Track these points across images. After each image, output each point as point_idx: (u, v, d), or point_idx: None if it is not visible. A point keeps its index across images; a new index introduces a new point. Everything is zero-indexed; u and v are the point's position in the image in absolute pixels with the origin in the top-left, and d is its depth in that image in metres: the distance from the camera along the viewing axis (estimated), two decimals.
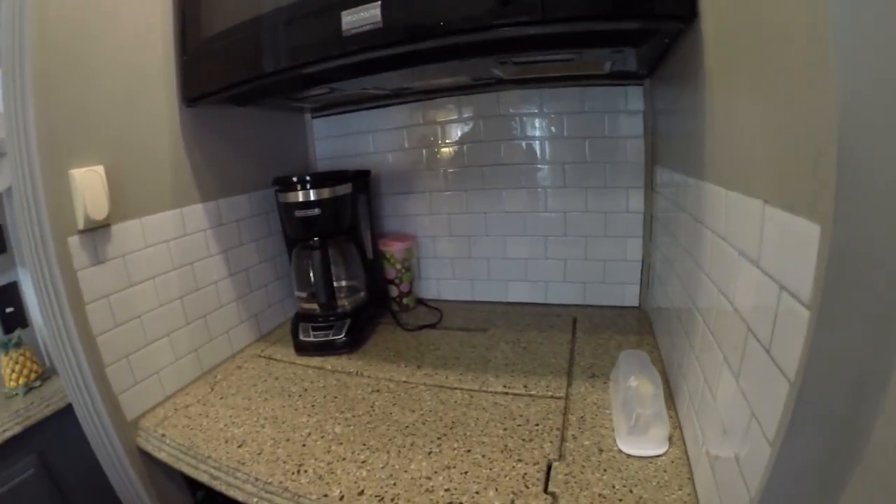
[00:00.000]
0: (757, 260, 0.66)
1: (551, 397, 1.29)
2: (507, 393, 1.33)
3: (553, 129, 1.81)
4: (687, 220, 1.12)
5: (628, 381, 1.15)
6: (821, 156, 0.48)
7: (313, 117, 2.24)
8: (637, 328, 1.66)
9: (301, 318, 1.81)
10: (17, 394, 1.84)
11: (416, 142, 2.04)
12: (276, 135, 2.09)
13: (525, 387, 1.35)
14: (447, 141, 1.98)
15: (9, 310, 2.07)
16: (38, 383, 1.90)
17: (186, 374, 1.61)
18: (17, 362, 1.86)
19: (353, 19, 1.12)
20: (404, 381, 1.46)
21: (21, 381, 1.86)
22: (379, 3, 1.08)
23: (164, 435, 1.34)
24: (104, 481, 1.49)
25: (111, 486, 1.50)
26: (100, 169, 1.35)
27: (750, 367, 0.68)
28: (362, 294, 1.89)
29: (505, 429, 1.18)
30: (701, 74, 0.95)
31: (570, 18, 0.96)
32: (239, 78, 1.42)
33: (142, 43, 1.50)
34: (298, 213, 1.68)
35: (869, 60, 0.45)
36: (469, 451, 1.12)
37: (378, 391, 1.43)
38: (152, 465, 1.43)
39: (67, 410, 1.56)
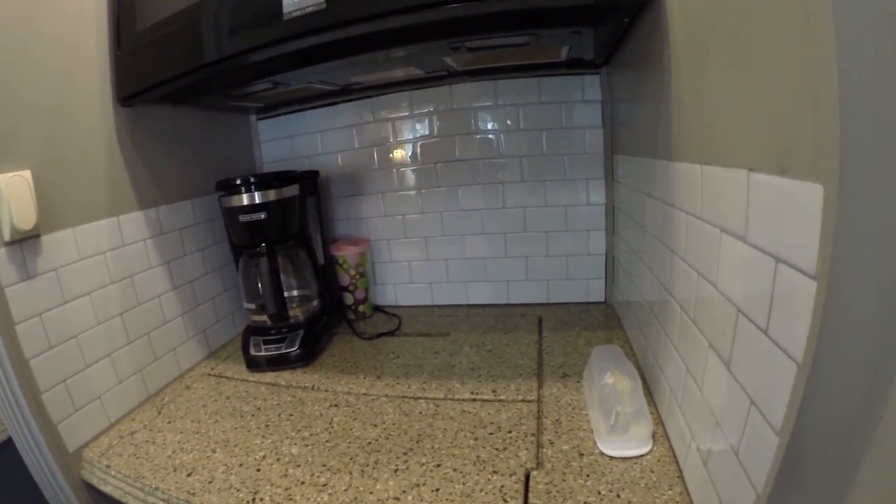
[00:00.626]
0: (744, 235, 0.62)
1: (523, 401, 1.25)
2: (475, 399, 1.29)
3: (509, 121, 1.78)
4: (655, 205, 1.08)
5: (604, 378, 1.11)
6: (819, 103, 0.44)
7: (258, 119, 2.19)
8: (605, 323, 1.64)
9: (252, 331, 1.75)
10: None
11: (366, 140, 2.00)
12: (220, 137, 2.03)
13: (494, 392, 1.30)
14: (399, 138, 1.94)
15: None
16: None
17: (131, 397, 1.53)
18: None
19: (294, 1, 1.07)
20: (364, 394, 1.41)
21: None
22: None
23: (108, 466, 1.27)
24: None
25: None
26: (27, 174, 1.28)
27: (743, 352, 0.64)
28: (315, 303, 1.83)
29: (476, 438, 1.13)
30: (666, 53, 0.92)
31: None
32: (174, 71, 1.36)
33: (73, 38, 1.44)
34: (243, 218, 1.61)
35: None
36: (439, 465, 1.07)
37: (336, 406, 1.38)
38: (100, 500, 1.36)
39: (8, 444, 1.49)
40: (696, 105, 0.79)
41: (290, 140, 2.14)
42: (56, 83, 1.38)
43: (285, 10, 1.08)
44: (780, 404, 0.52)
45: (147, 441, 1.35)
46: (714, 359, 0.74)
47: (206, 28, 1.26)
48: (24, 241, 1.28)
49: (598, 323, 1.64)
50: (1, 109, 1.25)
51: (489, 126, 1.81)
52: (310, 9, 1.05)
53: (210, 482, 1.14)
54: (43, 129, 1.34)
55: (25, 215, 1.25)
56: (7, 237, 1.23)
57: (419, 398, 1.34)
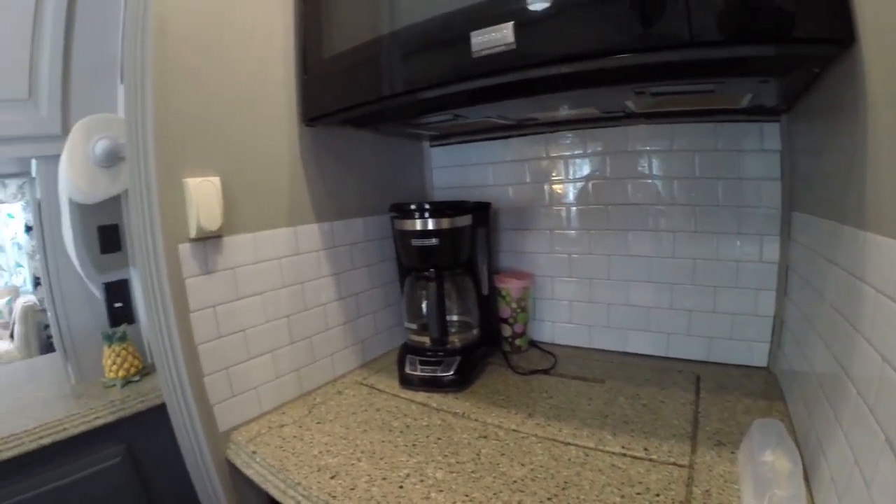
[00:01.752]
0: None
1: (674, 464, 1.22)
2: (625, 455, 1.27)
3: (684, 168, 1.75)
4: (838, 274, 1.02)
5: (763, 454, 1.08)
6: None
7: (431, 145, 2.27)
8: (765, 392, 1.56)
9: (409, 349, 1.81)
10: (114, 385, 1.97)
11: (538, 176, 2.02)
12: (394, 161, 2.12)
13: (645, 449, 1.28)
14: (571, 177, 1.95)
15: (118, 305, 2.18)
16: (136, 378, 2.01)
17: (285, 393, 1.64)
18: (118, 355, 1.99)
19: (484, 40, 1.10)
20: (514, 430, 1.42)
21: (120, 373, 1.98)
22: (511, 23, 1.06)
23: (254, 452, 1.36)
24: (187, 483, 1.54)
25: (193, 489, 1.55)
26: (216, 180, 1.40)
27: None
28: (475, 331, 1.86)
29: (622, 496, 1.11)
30: (861, 104, 0.87)
31: (722, 42, 0.91)
32: (358, 100, 1.44)
33: (263, 60, 1.56)
34: (415, 242, 1.69)
35: None
36: None
37: (485, 437, 1.39)
38: (238, 479, 1.45)
39: (161, 408, 1.60)
40: None
41: (461, 168, 2.20)
42: (245, 101, 1.51)
43: (474, 48, 1.11)
44: None
45: (295, 437, 1.43)
46: (890, 457, 0.70)
47: (393, 61, 1.33)
48: (208, 240, 1.40)
49: (759, 391, 1.57)
50: (198, 124, 1.38)
51: (663, 171, 1.79)
52: (499, 48, 1.08)
53: (352, 489, 1.18)
54: (232, 142, 1.47)
55: (212, 217, 1.37)
56: (193, 235, 1.36)
57: (569, 444, 1.33)
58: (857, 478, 0.82)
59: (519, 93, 1.30)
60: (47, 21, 2.06)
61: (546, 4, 1.03)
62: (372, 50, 1.38)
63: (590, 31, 1.00)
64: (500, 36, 1.07)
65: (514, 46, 1.06)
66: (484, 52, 1.10)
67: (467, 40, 1.12)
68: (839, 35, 0.87)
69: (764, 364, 1.72)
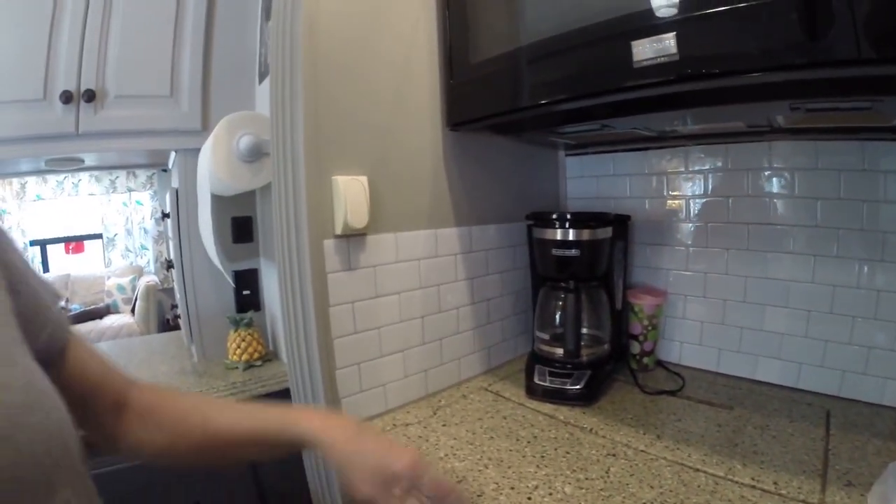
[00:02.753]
0: None
1: (803, 502, 1.22)
2: (754, 487, 1.27)
3: (828, 188, 1.70)
4: None
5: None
6: None
7: (567, 155, 2.30)
8: None
9: (538, 359, 1.84)
10: (237, 367, 2.11)
11: (675, 190, 2.02)
12: (529, 169, 2.16)
13: (775, 484, 1.28)
14: (709, 192, 1.95)
15: (246, 292, 2.33)
16: (258, 363, 2.16)
17: (411, 392, 1.70)
18: (244, 340, 2.13)
19: (645, 50, 1.11)
20: (643, 451, 1.43)
21: (244, 357, 2.13)
22: (674, 33, 1.07)
23: None
24: (300, 475, 1.59)
25: (306, 482, 1.59)
26: (363, 179, 1.48)
27: None
28: (606, 346, 1.89)
29: None
30: None
31: (888, 59, 0.88)
32: (509, 107, 1.48)
33: (409, 59, 1.62)
34: (555, 252, 1.73)
35: None
36: None
37: (614, 455, 1.41)
38: None
39: (279, 395, 1.68)
40: None
41: (596, 179, 2.22)
42: (392, 100, 1.59)
43: (635, 58, 1.13)
44: None
45: (420, 437, 1.49)
46: None
47: (546, 69, 1.36)
48: (352, 238, 1.48)
49: (890, 432, 1.52)
50: (347, 123, 1.46)
51: (806, 190, 1.75)
52: (662, 59, 1.09)
53: (479, 496, 1.23)
54: (380, 141, 1.55)
55: (359, 215, 1.45)
56: (339, 231, 1.44)
57: (699, 470, 1.34)
58: None
59: (673, 105, 1.32)
60: (188, 20, 2.22)
61: (711, 15, 1.04)
62: (525, 56, 1.42)
63: (754, 44, 1.00)
64: (662, 46, 1.09)
65: (676, 57, 1.08)
66: (645, 63, 1.12)
67: (628, 49, 1.14)
68: None
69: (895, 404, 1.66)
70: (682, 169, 2.01)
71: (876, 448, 1.43)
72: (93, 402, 0.98)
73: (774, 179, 1.82)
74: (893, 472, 1.18)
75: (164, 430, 1.05)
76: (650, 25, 1.11)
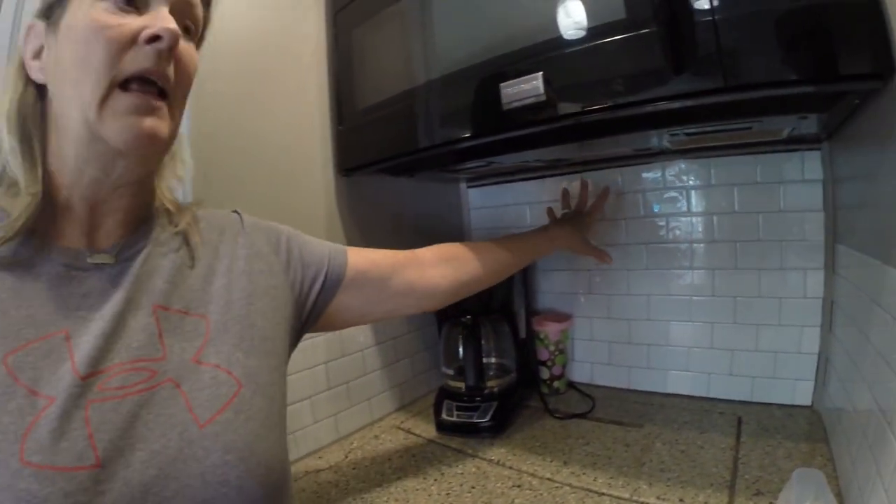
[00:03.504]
0: None
1: None
2: None
3: (723, 202, 1.70)
4: (884, 318, 0.95)
5: None
6: None
7: (468, 187, 2.26)
8: (809, 433, 1.49)
9: (446, 394, 1.79)
10: None
11: None
12: (431, 204, 2.13)
13: (681, 500, 1.23)
14: (606, 216, 1.91)
15: None
16: None
17: (323, 437, 1.64)
18: None
19: (513, 92, 1.09)
20: (548, 479, 1.38)
21: None
22: (540, 73, 1.06)
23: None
24: None
25: None
26: None
27: None
28: (512, 375, 1.84)
29: None
30: None
31: (757, 85, 0.89)
32: (392, 152, 1.46)
33: (298, 114, 1.59)
34: None
35: None
36: None
37: (519, 486, 1.36)
38: None
39: None
40: None
41: (498, 209, 2.19)
42: (282, 150, 1.54)
43: (504, 101, 1.10)
44: None
45: (330, 482, 1.44)
46: None
47: (423, 114, 1.35)
48: None
49: (802, 432, 1.50)
50: (233, 182, 1.41)
51: (702, 207, 1.75)
52: (529, 101, 1.07)
53: None
54: (269, 193, 1.49)
55: None
56: None
57: (603, 494, 1.29)
58: None
59: (552, 140, 1.31)
60: None
61: (575, 54, 1.03)
62: (403, 103, 1.39)
63: (619, 80, 1.00)
64: (529, 88, 1.07)
65: (543, 98, 1.06)
66: (514, 105, 1.10)
67: (497, 93, 1.12)
68: (880, 69, 0.84)
69: (808, 403, 1.65)
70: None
71: (787, 451, 1.40)
72: (397, 276, 1.20)
73: (669, 199, 1.80)
74: (798, 478, 1.12)
75: (459, 269, 1.32)
76: (518, 67, 1.11)
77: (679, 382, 1.86)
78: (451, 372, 1.81)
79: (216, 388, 0.76)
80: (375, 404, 1.83)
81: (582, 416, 1.76)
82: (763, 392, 1.70)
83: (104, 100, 0.72)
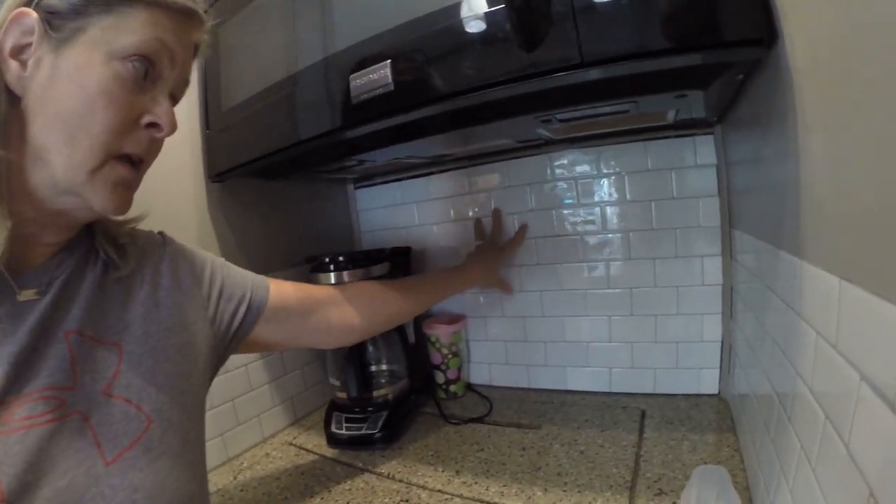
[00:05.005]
0: (893, 402, 0.43)
1: None
2: None
3: (614, 192, 1.61)
4: (778, 305, 0.86)
5: None
6: None
7: (356, 188, 2.14)
8: (716, 423, 1.41)
9: (335, 406, 1.67)
10: None
11: (462, 212, 1.89)
12: (317, 207, 2.01)
13: None
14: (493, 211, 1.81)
15: None
16: None
17: (210, 460, 1.45)
18: None
19: (362, 83, 1.02)
20: (438, 490, 1.28)
21: None
22: (388, 62, 0.97)
23: None
24: None
25: None
26: None
27: None
28: (403, 381, 1.71)
29: None
30: (790, 117, 0.72)
31: (616, 58, 0.78)
32: (252, 154, 1.35)
33: None
34: None
35: None
36: None
37: (407, 501, 1.26)
38: None
39: None
40: (835, 191, 0.59)
41: (387, 209, 2.07)
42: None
43: (353, 93, 1.03)
44: None
45: None
46: None
47: (280, 114, 1.25)
48: None
49: (708, 422, 1.42)
50: None
51: (593, 198, 1.65)
52: (378, 91, 0.99)
53: None
54: (140, 196, 1.31)
55: None
56: None
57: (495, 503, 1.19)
58: None
59: (414, 133, 1.23)
60: None
61: (423, 39, 0.95)
62: (262, 102, 1.29)
63: (469, 64, 0.90)
64: (377, 78, 0.99)
65: (391, 88, 0.98)
66: (363, 97, 1.02)
67: (347, 86, 1.04)
68: (759, 35, 0.73)
69: (714, 391, 1.57)
70: (466, 190, 1.87)
71: (692, 445, 1.32)
72: (317, 313, 1.19)
73: (558, 190, 1.70)
74: (699, 477, 1.07)
75: (375, 308, 1.31)
76: (366, 57, 1.02)
77: (579, 379, 1.76)
78: (338, 383, 1.67)
79: (125, 423, 0.73)
80: (266, 421, 1.69)
81: (478, 420, 1.65)
82: (667, 383, 1.62)
83: (96, 168, 0.71)
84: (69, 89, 0.68)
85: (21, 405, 0.66)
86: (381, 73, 0.98)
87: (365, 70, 1.00)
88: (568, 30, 0.78)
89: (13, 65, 0.68)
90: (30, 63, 0.68)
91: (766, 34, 0.73)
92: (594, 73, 0.82)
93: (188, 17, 0.77)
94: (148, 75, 0.73)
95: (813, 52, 0.62)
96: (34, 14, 0.68)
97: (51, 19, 0.68)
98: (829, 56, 0.57)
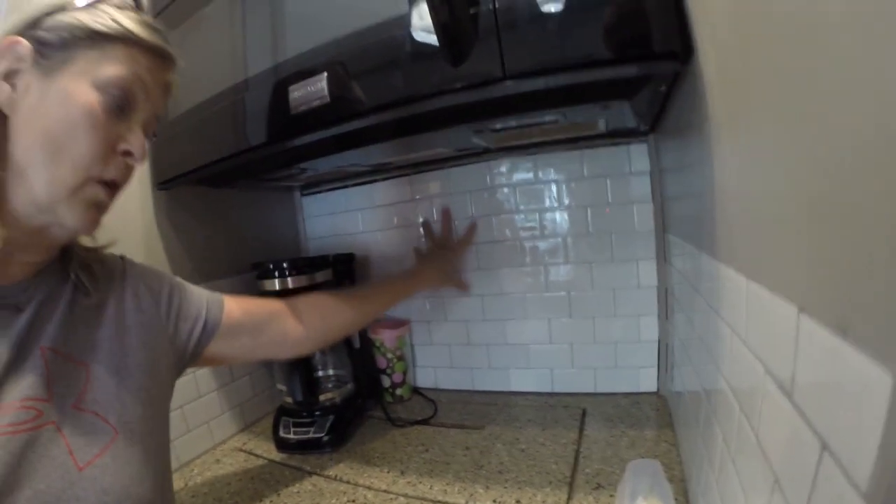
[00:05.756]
0: (790, 390, 0.45)
1: None
2: None
3: (551, 199, 1.65)
4: (702, 305, 0.90)
5: (635, 502, 0.96)
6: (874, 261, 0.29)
7: (303, 195, 2.14)
8: (655, 420, 1.45)
9: (283, 412, 1.67)
10: None
11: (404, 219, 1.91)
12: (264, 214, 2.00)
13: (517, 501, 1.15)
14: (435, 217, 1.83)
15: None
16: None
17: None
18: None
19: (300, 95, 1.04)
20: (384, 490, 1.29)
21: None
22: (325, 74, 1.00)
23: None
24: None
25: None
26: None
27: None
28: (349, 385, 1.73)
29: None
30: (706, 126, 0.76)
31: (536, 73, 0.82)
32: (198, 163, 1.35)
33: None
34: None
35: None
36: None
37: (353, 502, 1.26)
38: None
39: None
40: (741, 195, 0.62)
41: (333, 217, 2.09)
42: None
43: (292, 104, 1.06)
44: None
45: None
46: None
47: (222, 123, 1.26)
48: None
49: (647, 419, 1.46)
50: None
51: (530, 205, 1.68)
52: (315, 103, 1.02)
53: None
54: None
55: None
56: None
57: (439, 501, 1.22)
58: None
59: (352, 143, 1.25)
60: None
61: (357, 53, 0.98)
62: (206, 111, 1.29)
63: (399, 77, 0.94)
64: (314, 90, 1.02)
65: (327, 100, 1.01)
66: (302, 108, 1.04)
67: (286, 97, 1.06)
68: (674, 49, 0.77)
69: (654, 389, 1.62)
70: (409, 197, 1.89)
71: (630, 441, 1.36)
72: (271, 326, 1.22)
73: (497, 197, 1.74)
74: (632, 470, 1.08)
75: (326, 318, 1.33)
76: (305, 69, 1.05)
77: (522, 380, 1.79)
78: (285, 388, 1.68)
79: (94, 434, 0.77)
80: (215, 427, 1.68)
81: (423, 422, 1.67)
82: (607, 382, 1.66)
83: (76, 188, 0.75)
84: (55, 111, 0.73)
85: (5, 413, 0.69)
86: (318, 86, 1.00)
87: (303, 82, 1.02)
88: (492, 45, 0.81)
89: (5, 87, 0.72)
90: (20, 86, 0.73)
91: (680, 49, 0.76)
92: (516, 86, 0.84)
93: (162, 56, 0.83)
94: (125, 106, 0.78)
95: (722, 67, 0.65)
96: (26, 43, 0.73)
97: (41, 49, 0.73)
98: (733, 70, 0.61)
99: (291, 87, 1.04)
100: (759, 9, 0.50)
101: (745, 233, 0.61)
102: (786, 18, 0.43)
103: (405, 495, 1.25)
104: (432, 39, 0.85)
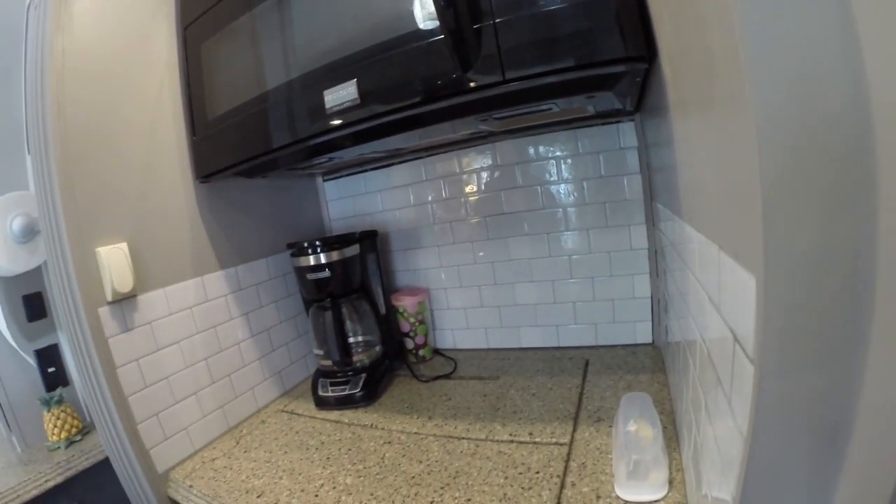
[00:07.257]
0: (718, 306, 0.61)
1: (555, 444, 1.23)
2: (512, 441, 1.28)
3: (551, 174, 1.78)
4: (679, 263, 1.03)
5: (627, 425, 1.10)
6: (746, 197, 0.44)
7: (325, 180, 2.27)
8: (650, 366, 1.58)
9: (320, 374, 1.80)
10: (59, 447, 1.88)
11: (420, 198, 2.04)
12: (291, 199, 2.12)
13: (530, 434, 1.29)
14: (450, 195, 1.98)
15: (51, 370, 2.11)
16: (78, 437, 1.93)
17: (213, 429, 1.62)
18: (58, 418, 1.91)
19: (334, 97, 1.18)
20: (415, 433, 1.43)
21: (63, 435, 1.91)
22: (355, 80, 1.15)
23: (191, 486, 1.37)
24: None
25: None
26: (123, 246, 1.41)
27: (720, 416, 0.63)
28: (378, 348, 1.86)
29: (506, 477, 1.13)
30: (667, 111, 0.91)
31: (530, 76, 0.97)
32: (240, 157, 1.47)
33: (153, 126, 1.54)
34: (310, 276, 1.71)
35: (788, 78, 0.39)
36: (469, 500, 1.08)
37: (389, 443, 1.40)
38: None
39: (106, 462, 1.57)
40: (689, 165, 0.77)
41: (353, 199, 2.20)
42: (143, 165, 1.51)
43: (327, 105, 1.20)
44: (734, 474, 0.52)
45: (225, 467, 1.44)
46: (704, 415, 0.73)
47: (264, 122, 1.38)
48: (124, 301, 1.40)
49: (643, 366, 1.59)
50: (102, 194, 1.39)
51: (531, 180, 1.81)
52: (347, 104, 1.17)
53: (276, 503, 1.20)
54: (135, 207, 1.47)
55: (123, 280, 1.38)
56: (109, 298, 1.36)
57: (462, 438, 1.35)
58: (697, 436, 0.84)
59: (376, 135, 1.35)
60: None
61: (383, 60, 1.12)
62: (246, 111, 1.42)
63: (418, 81, 1.08)
64: (346, 93, 1.16)
65: (358, 101, 1.15)
66: (335, 108, 1.19)
67: (322, 98, 1.20)
68: (639, 53, 0.92)
69: (649, 341, 1.75)
70: (423, 178, 2.01)
71: (627, 383, 1.49)
72: None
73: (503, 175, 1.86)
74: (624, 402, 1.23)
75: None
76: (338, 75, 1.19)
77: (531, 337, 1.93)
78: (321, 353, 1.82)
79: None
80: (259, 393, 1.81)
81: (445, 376, 1.81)
82: (607, 336, 1.80)
83: None
84: None
85: None
86: (349, 90, 1.14)
87: (337, 86, 1.17)
88: (493, 55, 0.98)
89: None
90: None
91: (645, 52, 0.92)
92: (513, 87, 1.00)
93: None
94: None
95: (670, 64, 0.80)
96: None
97: None
98: (677, 68, 0.75)
99: (326, 92, 1.19)
100: (688, 20, 0.63)
101: (693, 196, 0.77)
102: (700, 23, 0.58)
103: (434, 435, 1.39)
104: (445, 50, 1.00)
